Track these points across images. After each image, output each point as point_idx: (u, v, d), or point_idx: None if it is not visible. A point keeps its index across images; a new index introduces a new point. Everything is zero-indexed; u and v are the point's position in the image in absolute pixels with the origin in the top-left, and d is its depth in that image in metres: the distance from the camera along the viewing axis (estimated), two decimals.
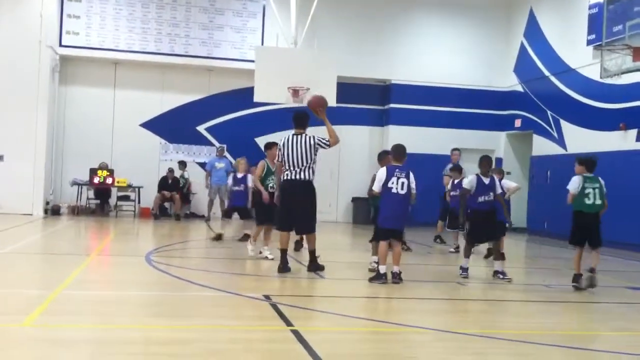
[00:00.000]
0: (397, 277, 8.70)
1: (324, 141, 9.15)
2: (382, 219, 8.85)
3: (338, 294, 8.25)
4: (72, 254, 10.95)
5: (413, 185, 8.76)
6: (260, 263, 10.36)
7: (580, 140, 16.83)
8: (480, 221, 9.40)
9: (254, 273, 9.72)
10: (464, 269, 9.57)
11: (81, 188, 18.89)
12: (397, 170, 8.72)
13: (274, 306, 6.90)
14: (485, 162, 9.59)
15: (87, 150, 19.07)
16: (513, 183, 12.33)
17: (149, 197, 19.15)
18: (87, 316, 6.34)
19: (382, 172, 8.79)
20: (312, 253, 9.46)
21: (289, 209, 9.28)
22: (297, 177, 9.15)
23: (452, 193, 13.27)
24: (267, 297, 7.34)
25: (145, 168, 19.36)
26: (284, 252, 9.35)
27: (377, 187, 8.73)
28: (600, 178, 8.99)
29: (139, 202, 19.14)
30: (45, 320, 5.99)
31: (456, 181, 13.30)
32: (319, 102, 9.25)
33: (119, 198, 19.15)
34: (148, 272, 9.08)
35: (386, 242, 8.81)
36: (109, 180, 18.53)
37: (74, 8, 19.00)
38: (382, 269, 8.72)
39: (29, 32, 17.79)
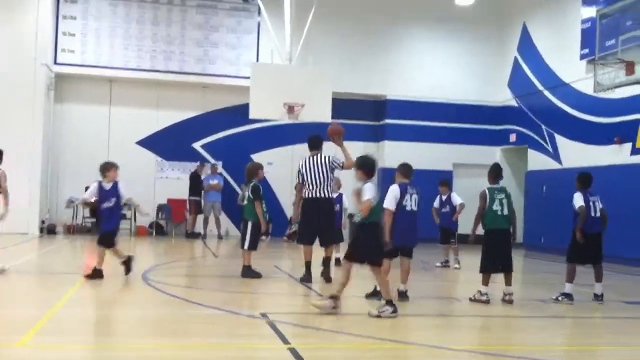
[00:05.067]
0: (403, 296, 8.58)
1: (338, 162, 9.97)
2: (395, 236, 8.38)
3: (335, 310, 8.19)
4: (68, 272, 10.89)
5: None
6: (257, 281, 10.31)
7: (575, 154, 16.88)
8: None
9: (251, 291, 9.68)
10: (568, 295, 9.06)
11: (77, 207, 18.82)
12: (408, 187, 8.67)
13: (271, 324, 6.87)
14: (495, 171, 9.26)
15: (83, 168, 18.99)
16: (459, 199, 12.49)
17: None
18: (82, 336, 6.30)
19: (396, 190, 8.54)
20: (327, 260, 10.20)
21: (312, 224, 10.04)
22: (318, 194, 9.98)
23: (442, 210, 13.26)
24: (264, 315, 7.31)
25: (141, 186, 19.29)
26: (309, 264, 10.08)
27: (391, 205, 8.42)
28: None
29: (134, 220, 19.09)
30: (40, 340, 5.95)
31: (444, 197, 13.31)
32: (335, 130, 9.92)
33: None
34: (144, 291, 9.03)
35: (390, 260, 8.69)
36: None
37: (69, 26, 19.08)
38: None
39: (23, 50, 17.84)
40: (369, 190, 7.55)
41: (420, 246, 9.24)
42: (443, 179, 13.67)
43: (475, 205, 9.02)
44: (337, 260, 11.89)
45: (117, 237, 10.12)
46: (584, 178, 9.36)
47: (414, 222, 8.62)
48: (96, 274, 9.71)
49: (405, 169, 8.84)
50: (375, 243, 7.72)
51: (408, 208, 8.53)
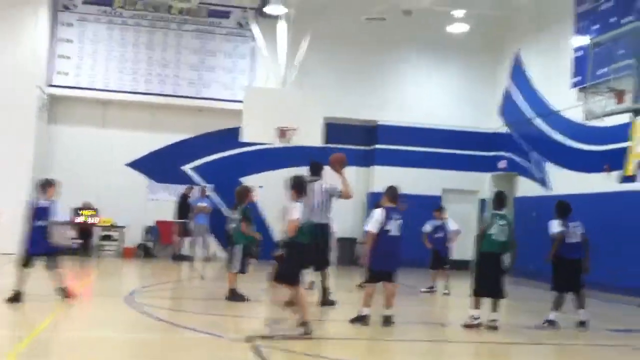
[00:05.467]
0: (388, 321, 8.56)
1: (336, 190, 10.05)
2: (375, 260, 8.59)
3: (320, 335, 8.18)
4: (53, 294, 10.82)
5: None
6: (242, 305, 10.27)
7: (565, 181, 16.93)
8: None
9: (236, 314, 9.64)
10: (552, 322, 9.14)
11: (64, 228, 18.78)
12: (393, 212, 8.70)
13: (256, 348, 6.84)
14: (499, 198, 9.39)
15: (73, 190, 18.93)
16: (455, 225, 12.59)
17: (134, 236, 19.09)
18: (65, 358, 6.26)
19: (380, 214, 8.61)
20: (326, 289, 10.21)
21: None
22: (314, 220, 9.86)
23: (436, 235, 13.27)
24: (249, 339, 7.28)
25: (130, 207, 19.29)
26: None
27: (374, 228, 8.54)
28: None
29: (122, 242, 19.02)
30: None
31: (439, 222, 13.32)
32: (338, 159, 10.17)
33: (102, 238, 19.04)
34: (129, 313, 8.99)
35: (375, 284, 8.70)
36: (93, 220, 18.47)
37: (65, 49, 19.16)
38: (366, 310, 8.64)
39: (17, 72, 17.88)
40: (298, 210, 7.63)
41: (407, 271, 9.25)
42: (439, 205, 13.70)
43: (469, 230, 9.09)
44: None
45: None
46: (563, 206, 9.42)
47: (396, 247, 8.65)
48: (65, 293, 9.48)
49: (392, 192, 8.87)
50: (294, 263, 7.76)
51: (391, 233, 8.55)
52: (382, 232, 8.52)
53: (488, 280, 8.85)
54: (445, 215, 13.35)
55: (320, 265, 10.34)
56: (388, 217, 8.57)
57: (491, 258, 8.89)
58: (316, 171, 10.35)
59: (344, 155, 10.47)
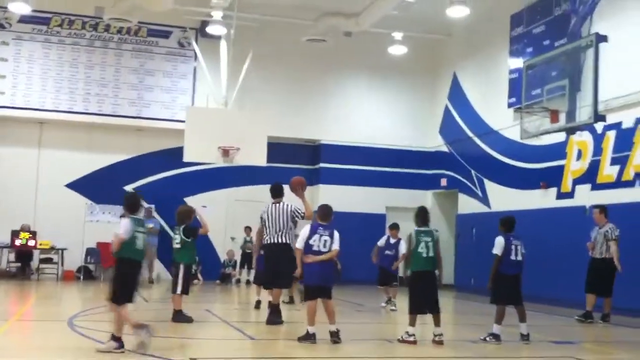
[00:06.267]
0: (336, 336, 8.60)
1: (299, 212, 10.46)
2: (307, 276, 8.79)
3: (268, 354, 8.13)
4: None
5: (336, 245, 8.82)
6: (187, 325, 10.12)
7: (503, 198, 17.35)
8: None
9: (181, 336, 9.49)
10: (495, 335, 9.20)
11: (1, 251, 18.22)
12: (320, 227, 8.81)
13: None
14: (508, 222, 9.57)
15: (10, 212, 18.45)
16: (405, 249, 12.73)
17: (74, 259, 18.64)
18: None
19: (305, 230, 8.86)
20: (276, 307, 10.39)
21: (272, 268, 10.47)
22: (277, 240, 10.39)
23: (386, 252, 13.35)
24: None
25: (70, 229, 18.85)
26: (277, 306, 10.42)
27: (299, 244, 8.80)
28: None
29: (62, 265, 18.56)
30: None
31: (392, 240, 13.40)
32: (298, 182, 10.49)
33: (42, 261, 18.53)
34: (70, 338, 8.75)
35: (314, 301, 8.75)
36: (32, 243, 17.99)
37: (0, 68, 18.71)
38: (311, 329, 8.64)
39: None
40: (124, 226, 7.78)
41: (354, 287, 9.29)
42: (394, 223, 13.78)
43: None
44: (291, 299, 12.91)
45: None
46: (507, 221, 9.63)
47: (326, 263, 8.73)
48: None
49: (321, 211, 9.02)
50: (119, 280, 7.83)
51: (315, 248, 8.67)
52: (308, 248, 8.71)
53: (422, 297, 8.98)
54: (399, 235, 13.41)
55: (281, 284, 10.56)
56: (312, 233, 8.74)
57: (423, 275, 9.02)
58: (278, 193, 10.73)
59: (304, 178, 10.87)
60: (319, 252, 8.71)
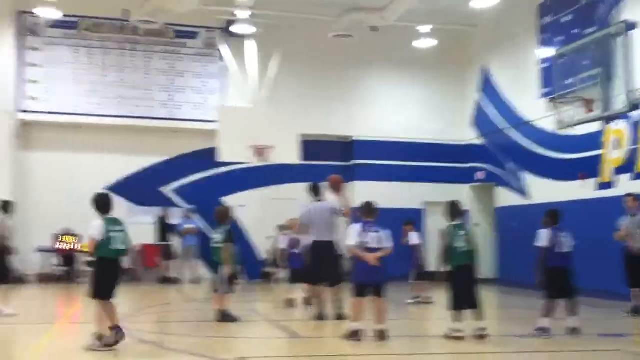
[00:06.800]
0: (382, 335, 8.58)
1: (338, 209, 10.73)
2: (359, 273, 8.77)
3: (314, 352, 8.15)
4: (39, 323, 10.64)
5: (390, 242, 8.80)
6: (232, 325, 10.19)
7: (543, 190, 17.13)
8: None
9: (226, 335, 9.56)
10: (545, 329, 9.15)
11: (46, 255, 18.49)
12: (368, 224, 8.79)
13: None
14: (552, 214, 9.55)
15: (49, 217, 18.66)
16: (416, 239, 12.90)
17: None
18: None
19: (355, 227, 8.85)
20: (339, 301, 10.55)
21: (319, 266, 10.70)
22: (323, 238, 10.65)
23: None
24: None
25: None
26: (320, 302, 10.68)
27: (353, 241, 8.72)
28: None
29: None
30: None
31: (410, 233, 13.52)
32: (337, 180, 10.92)
33: (87, 263, 18.72)
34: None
35: (362, 298, 8.73)
36: (76, 246, 18.18)
37: (33, 73, 18.93)
38: (356, 325, 8.65)
39: None
40: (95, 228, 7.96)
41: (393, 284, 9.26)
42: (406, 219, 13.92)
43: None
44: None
45: None
46: (552, 214, 9.52)
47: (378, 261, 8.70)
48: None
49: (365, 207, 9.00)
50: (98, 278, 8.05)
51: (369, 245, 8.66)
52: (361, 245, 8.69)
53: (464, 293, 8.91)
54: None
55: (332, 281, 10.70)
56: (363, 230, 8.70)
57: (462, 270, 8.94)
58: (317, 192, 11.06)
59: (341, 177, 11.16)
60: (373, 250, 8.69)
